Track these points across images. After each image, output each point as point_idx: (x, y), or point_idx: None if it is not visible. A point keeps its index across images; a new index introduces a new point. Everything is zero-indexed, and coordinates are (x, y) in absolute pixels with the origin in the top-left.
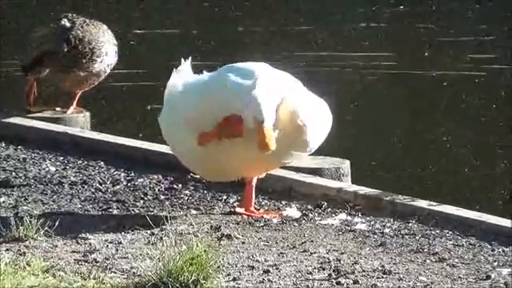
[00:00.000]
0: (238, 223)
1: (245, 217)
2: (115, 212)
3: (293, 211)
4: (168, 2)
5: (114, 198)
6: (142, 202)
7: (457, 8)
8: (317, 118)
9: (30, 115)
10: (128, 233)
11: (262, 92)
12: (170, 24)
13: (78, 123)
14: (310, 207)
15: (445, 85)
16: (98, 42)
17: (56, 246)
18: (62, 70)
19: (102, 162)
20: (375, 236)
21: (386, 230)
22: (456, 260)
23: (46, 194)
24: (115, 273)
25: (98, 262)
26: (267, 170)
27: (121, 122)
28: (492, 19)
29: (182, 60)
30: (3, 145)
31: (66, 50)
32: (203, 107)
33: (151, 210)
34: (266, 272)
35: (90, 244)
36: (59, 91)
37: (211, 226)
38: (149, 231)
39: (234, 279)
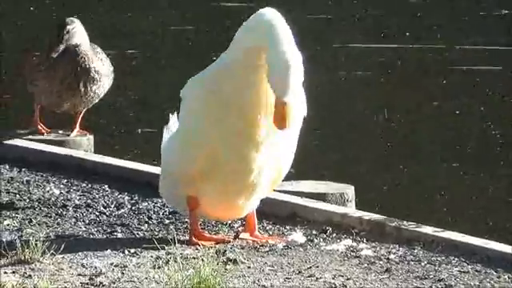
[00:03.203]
0: (243, 248)
1: (249, 241)
2: (120, 235)
3: (297, 236)
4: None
5: (119, 222)
6: (146, 225)
7: None
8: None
9: (34, 137)
10: (133, 256)
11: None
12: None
13: (82, 146)
14: (314, 232)
15: (455, 112)
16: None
17: (62, 269)
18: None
19: (105, 186)
20: (381, 262)
21: (392, 256)
22: (462, 287)
23: (51, 217)
24: None
25: (104, 286)
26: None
27: (124, 145)
28: None
29: (170, 115)
30: (7, 167)
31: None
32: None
33: (156, 233)
34: None
35: (96, 267)
36: (62, 114)
37: (217, 251)
38: (154, 255)
39: None
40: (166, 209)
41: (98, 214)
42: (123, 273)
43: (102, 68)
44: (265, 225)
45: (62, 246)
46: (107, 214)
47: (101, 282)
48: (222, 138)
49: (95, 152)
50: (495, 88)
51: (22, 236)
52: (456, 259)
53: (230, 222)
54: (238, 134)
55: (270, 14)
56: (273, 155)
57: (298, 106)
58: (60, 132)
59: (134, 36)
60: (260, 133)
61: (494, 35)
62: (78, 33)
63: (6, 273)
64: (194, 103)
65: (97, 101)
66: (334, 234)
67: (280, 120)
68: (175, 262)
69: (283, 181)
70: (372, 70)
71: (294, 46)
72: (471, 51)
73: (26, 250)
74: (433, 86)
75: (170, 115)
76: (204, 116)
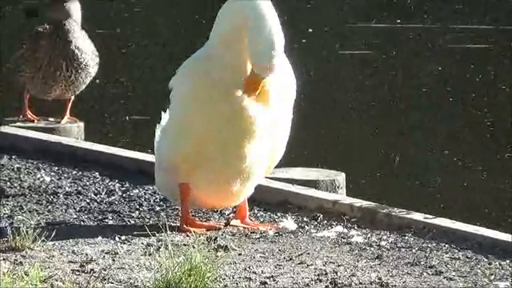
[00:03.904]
0: (233, 235)
1: (240, 228)
2: (111, 222)
3: (289, 223)
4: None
5: (110, 209)
6: (137, 212)
7: None
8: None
9: (24, 125)
10: (124, 243)
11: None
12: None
13: (72, 133)
14: (305, 219)
15: (447, 99)
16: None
17: (53, 256)
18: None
19: (96, 173)
20: (372, 249)
21: (383, 243)
22: (453, 273)
23: (41, 204)
24: (113, 283)
25: (95, 273)
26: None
27: (115, 132)
28: None
29: (162, 113)
30: None
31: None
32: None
33: (147, 220)
34: (263, 284)
35: (87, 254)
36: (53, 102)
37: (208, 238)
38: (145, 242)
39: None
40: (157, 196)
41: (88, 201)
42: (114, 260)
43: (85, 48)
44: (256, 212)
45: (53, 233)
46: (98, 201)
47: (92, 269)
48: (212, 122)
49: (86, 139)
50: (488, 72)
51: (12, 223)
52: (447, 246)
53: (220, 209)
54: (227, 118)
55: None
56: (266, 140)
57: (286, 88)
58: (50, 119)
59: (125, 22)
60: (251, 115)
61: (488, 16)
62: (72, 10)
63: None
64: (183, 89)
65: (83, 87)
66: (325, 221)
67: (251, 92)
68: (166, 248)
69: (275, 168)
70: (365, 52)
71: (279, 27)
72: (466, 32)
73: (17, 237)
74: (426, 71)
75: (162, 113)
76: (192, 101)
